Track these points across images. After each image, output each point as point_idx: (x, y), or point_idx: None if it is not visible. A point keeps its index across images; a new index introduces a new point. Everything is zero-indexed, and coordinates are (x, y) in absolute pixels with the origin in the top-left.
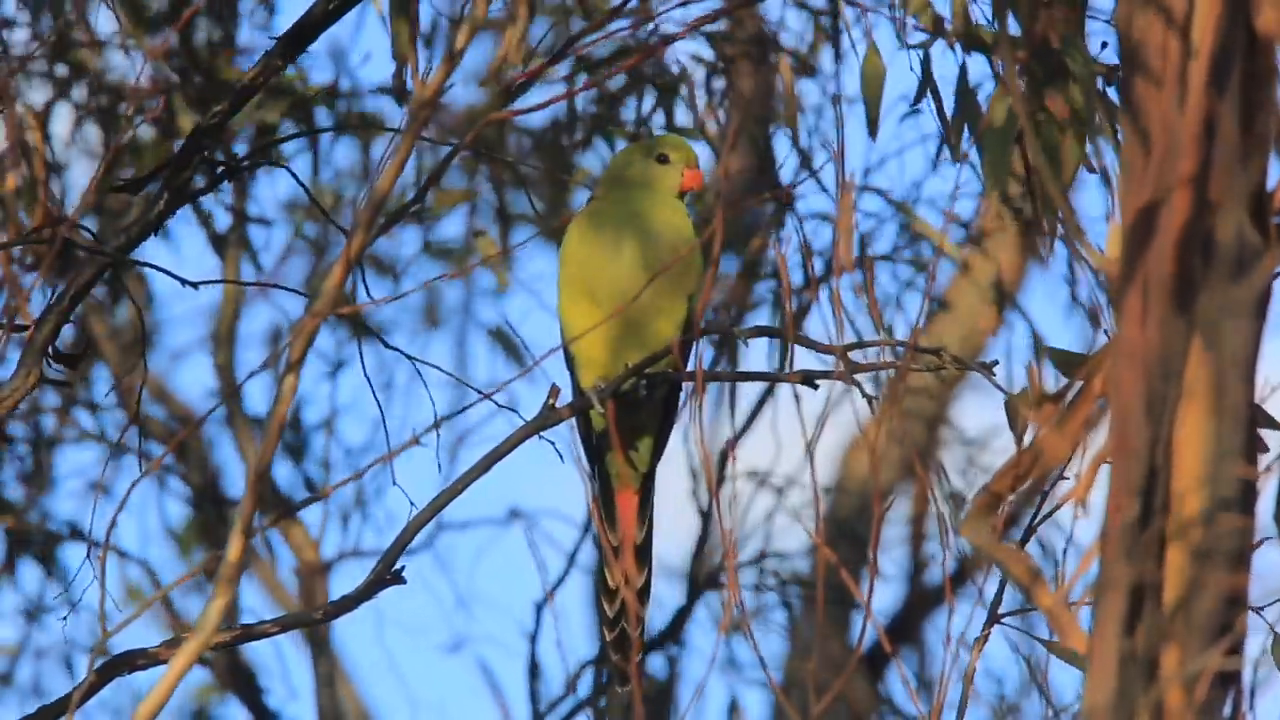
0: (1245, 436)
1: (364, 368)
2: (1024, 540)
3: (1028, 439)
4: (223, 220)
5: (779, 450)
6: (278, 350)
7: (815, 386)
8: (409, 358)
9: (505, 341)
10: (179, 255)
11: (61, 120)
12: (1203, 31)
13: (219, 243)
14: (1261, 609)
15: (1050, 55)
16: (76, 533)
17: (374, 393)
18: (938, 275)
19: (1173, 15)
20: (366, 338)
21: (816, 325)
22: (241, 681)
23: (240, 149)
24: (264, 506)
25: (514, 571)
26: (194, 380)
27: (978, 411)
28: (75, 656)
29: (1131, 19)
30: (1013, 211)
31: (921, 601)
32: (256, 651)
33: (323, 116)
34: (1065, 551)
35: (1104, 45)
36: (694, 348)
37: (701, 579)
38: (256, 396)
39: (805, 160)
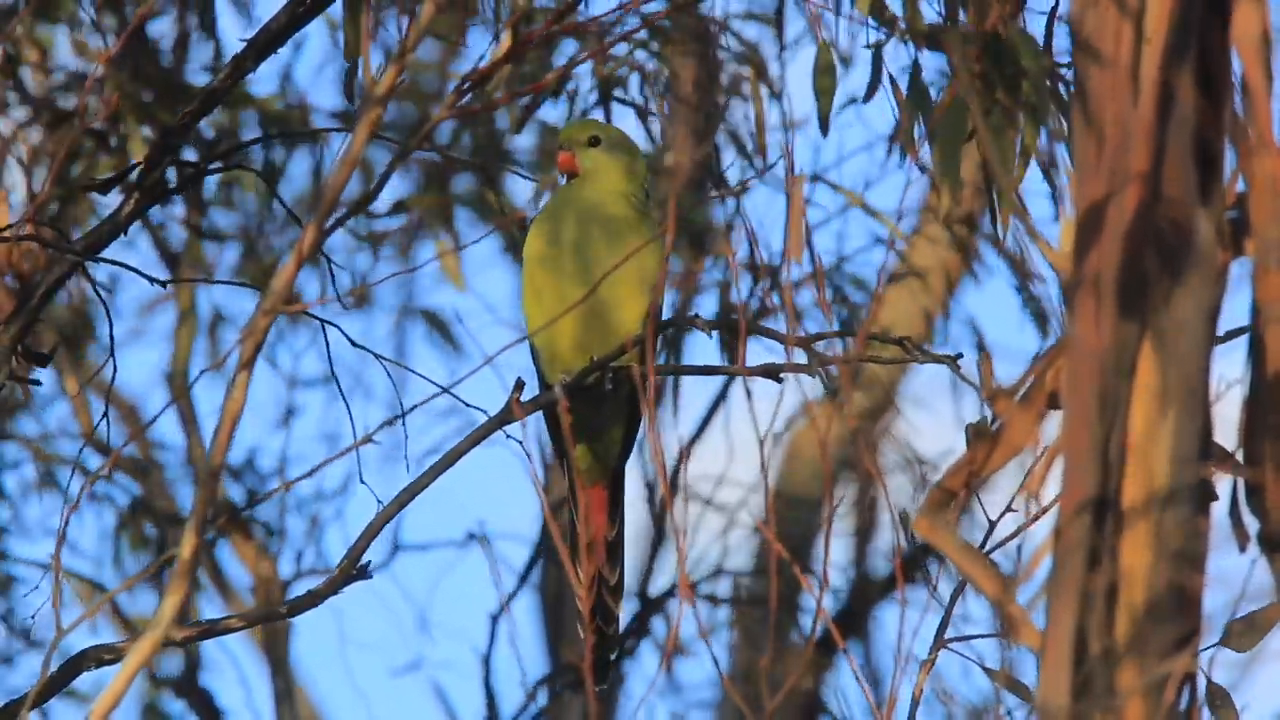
0: (1201, 435)
1: (333, 368)
2: (983, 545)
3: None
4: (177, 237)
5: (731, 455)
6: (230, 349)
7: (780, 380)
8: (377, 356)
9: (440, 326)
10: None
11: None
12: (1156, 23)
13: (173, 261)
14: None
15: (1002, 50)
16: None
17: (344, 397)
18: (873, 268)
19: (1125, 6)
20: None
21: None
22: (198, 701)
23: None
24: (216, 510)
25: (471, 596)
26: (144, 384)
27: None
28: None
29: (1084, 11)
30: (953, 217)
31: (868, 592)
32: (212, 670)
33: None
34: (1019, 548)
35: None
36: (654, 342)
37: (650, 596)
38: (205, 406)
39: (748, 154)
